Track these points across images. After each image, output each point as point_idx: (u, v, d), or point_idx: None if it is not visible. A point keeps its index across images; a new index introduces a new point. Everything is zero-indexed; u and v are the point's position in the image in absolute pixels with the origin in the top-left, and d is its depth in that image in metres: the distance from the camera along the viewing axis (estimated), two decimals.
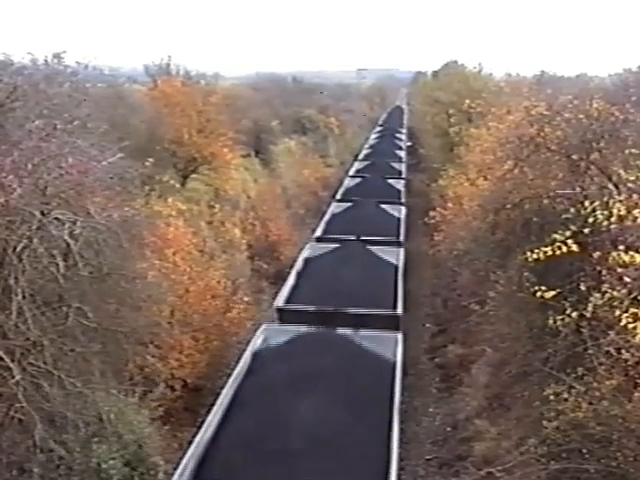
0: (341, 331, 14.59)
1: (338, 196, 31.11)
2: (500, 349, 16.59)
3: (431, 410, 18.05)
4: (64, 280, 9.84)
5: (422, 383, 19.42)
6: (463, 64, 45.64)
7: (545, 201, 14.00)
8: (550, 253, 11.65)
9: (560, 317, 11.61)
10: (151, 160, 16.21)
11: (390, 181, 34.35)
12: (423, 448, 16.23)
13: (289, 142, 46.55)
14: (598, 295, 10.84)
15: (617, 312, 10.21)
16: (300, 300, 17.05)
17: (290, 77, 69.16)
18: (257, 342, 14.55)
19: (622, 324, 9.94)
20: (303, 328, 14.67)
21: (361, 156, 45.66)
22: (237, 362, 13.78)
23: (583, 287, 11.86)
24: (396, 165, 40.68)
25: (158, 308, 13.23)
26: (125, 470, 11.23)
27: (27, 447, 9.69)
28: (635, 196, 11.61)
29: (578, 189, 13.47)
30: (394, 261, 20.49)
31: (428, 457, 15.88)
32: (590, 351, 11.17)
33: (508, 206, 14.70)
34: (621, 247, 10.90)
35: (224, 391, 12.30)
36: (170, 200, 20.76)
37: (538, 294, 11.78)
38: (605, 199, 12.06)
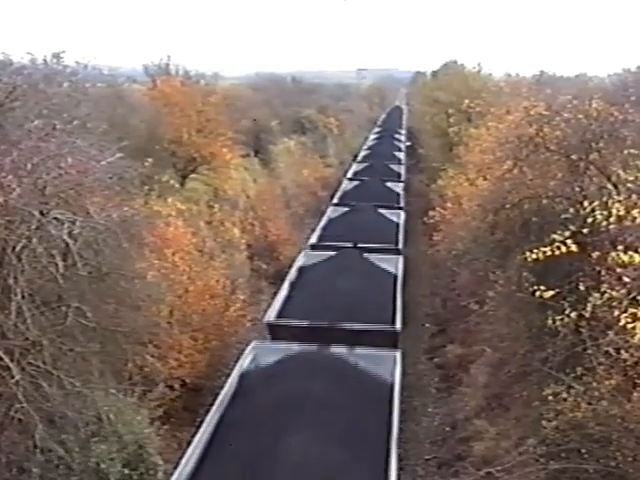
0: (335, 349, 13.74)
1: (335, 200, 30.10)
2: (499, 349, 16.60)
3: (430, 410, 18.06)
4: (63, 280, 9.84)
5: (421, 383, 19.43)
6: (462, 64, 45.77)
7: (544, 201, 14.01)
8: (549, 253, 11.66)
9: (559, 317, 11.63)
10: (150, 160, 16.23)
11: (389, 184, 33.42)
12: (422, 448, 16.24)
13: (288, 142, 46.55)
14: (597, 295, 10.86)
15: (616, 312, 10.23)
16: (292, 314, 16.09)
17: (289, 77, 69.13)
18: (245, 362, 13.61)
19: (621, 324, 9.94)
20: (295, 346, 13.84)
21: (359, 158, 44.61)
22: (225, 383, 12.94)
23: (582, 287, 11.87)
24: (395, 167, 39.78)
25: (157, 308, 13.22)
26: (124, 470, 11.22)
27: (26, 447, 9.68)
28: (634, 196, 11.63)
29: (577, 189, 13.49)
30: (393, 270, 19.55)
31: (427, 457, 15.90)
32: (589, 351, 11.18)
33: (507, 206, 14.71)
34: (620, 247, 10.91)
35: (207, 419, 11.43)
36: (169, 200, 20.77)
37: (537, 294, 11.79)
38: (604, 199, 12.08)
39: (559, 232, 11.94)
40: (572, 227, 12.17)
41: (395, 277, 18.96)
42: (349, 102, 78.46)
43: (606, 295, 10.68)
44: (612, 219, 11.24)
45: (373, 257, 20.10)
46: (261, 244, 29.53)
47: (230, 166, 29.73)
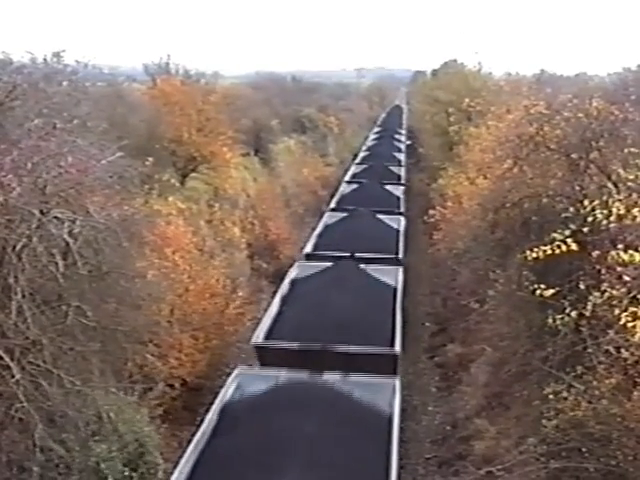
0: (328, 377, 12.57)
1: (332, 204, 28.85)
2: (499, 348, 16.60)
3: (430, 409, 18.06)
4: (63, 279, 9.84)
5: (422, 382, 19.43)
6: (462, 63, 45.52)
7: (544, 200, 14.01)
8: (549, 252, 11.64)
9: (559, 316, 11.62)
10: (151, 159, 16.21)
11: (388, 187, 32.17)
12: (423, 447, 16.24)
13: (289, 141, 46.55)
14: (597, 294, 10.84)
15: (616, 311, 10.21)
16: (283, 334, 14.89)
17: (289, 76, 69.17)
18: (229, 391, 12.40)
19: (621, 323, 9.93)
20: (283, 373, 12.68)
21: (358, 160, 43.16)
22: (206, 414, 11.85)
23: (582, 286, 11.86)
24: (395, 169, 38.44)
25: (157, 307, 13.23)
26: (124, 469, 11.22)
27: (27, 446, 9.68)
28: (634, 195, 11.63)
29: (577, 188, 13.48)
30: (392, 282, 18.30)
31: (428, 456, 15.90)
32: (589, 350, 11.18)
33: (507, 205, 14.71)
34: (620, 246, 10.89)
35: (185, 457, 10.35)
36: (170, 199, 20.77)
37: (537, 293, 11.78)
38: (604, 198, 12.07)
39: (559, 231, 11.92)
40: (572, 226, 12.15)
41: (395, 291, 17.71)
42: (349, 101, 78.53)
43: (606, 294, 10.67)
44: (612, 218, 11.23)
45: (371, 269, 18.93)
46: (261, 243, 29.54)
47: (230, 165, 29.71)
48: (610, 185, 13.14)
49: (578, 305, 11.41)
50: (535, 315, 13.44)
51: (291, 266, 19.90)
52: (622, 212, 11.15)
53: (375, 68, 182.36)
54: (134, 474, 11.45)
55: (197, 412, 15.38)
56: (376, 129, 64.99)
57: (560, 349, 12.24)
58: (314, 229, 24.76)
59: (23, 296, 9.42)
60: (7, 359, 9.24)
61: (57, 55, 15.62)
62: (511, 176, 15.11)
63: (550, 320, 11.81)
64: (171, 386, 15.28)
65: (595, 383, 10.77)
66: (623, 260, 10.47)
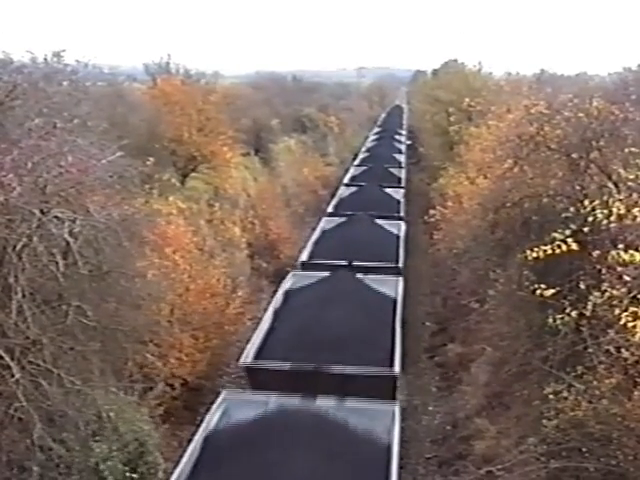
0: (322, 402, 11.69)
1: (330, 209, 27.92)
2: (500, 348, 16.59)
3: (431, 409, 18.05)
4: (64, 278, 9.85)
5: (422, 382, 19.43)
6: (463, 63, 45.70)
7: (545, 200, 14.01)
8: (550, 252, 11.66)
9: (560, 316, 11.63)
10: (151, 159, 16.22)
11: (388, 190, 31.17)
12: (423, 447, 16.24)
13: (289, 141, 46.55)
14: (598, 294, 10.85)
15: (617, 311, 10.22)
16: (274, 352, 14.05)
17: (290, 76, 69.13)
18: (213, 419, 11.51)
19: (622, 323, 9.93)
20: (273, 398, 11.80)
21: (357, 161, 42.37)
22: (187, 446, 11.11)
23: (583, 286, 11.87)
24: (395, 171, 37.37)
25: (158, 307, 13.22)
26: (125, 469, 11.22)
27: (27, 446, 9.69)
28: (635, 195, 11.63)
29: (578, 188, 13.48)
30: (391, 294, 17.40)
31: (428, 456, 15.89)
32: (590, 350, 11.18)
33: (508, 205, 14.71)
34: (621, 246, 10.90)
35: None
36: (170, 199, 20.76)
37: (538, 293, 11.80)
38: (605, 198, 12.08)
39: (560, 231, 11.94)
40: (573, 226, 12.16)
41: (394, 303, 16.78)
42: (349, 101, 78.56)
43: (607, 294, 10.67)
44: (613, 218, 11.24)
45: (370, 278, 18.11)
46: (261, 243, 29.55)
47: (230, 165, 29.70)
48: (610, 185, 13.14)
49: (578, 305, 11.42)
50: (535, 315, 13.45)
51: (284, 277, 19.10)
52: (622, 212, 11.16)
53: (375, 68, 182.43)
54: (134, 474, 11.45)
55: (197, 412, 15.38)
56: (376, 129, 64.51)
57: (560, 349, 12.24)
58: (311, 235, 23.95)
59: (23, 295, 9.42)
60: (7, 358, 9.24)
61: (57, 55, 15.61)
62: (511, 176, 15.11)
63: (550, 320, 11.82)
64: (171, 386, 15.28)
65: (595, 383, 10.77)
66: (623, 260, 10.48)
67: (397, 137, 57.17)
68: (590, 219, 11.69)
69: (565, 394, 11.17)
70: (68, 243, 9.86)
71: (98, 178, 11.09)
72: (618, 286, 10.64)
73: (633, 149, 12.86)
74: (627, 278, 10.57)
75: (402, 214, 27.25)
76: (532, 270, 13.24)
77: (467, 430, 15.83)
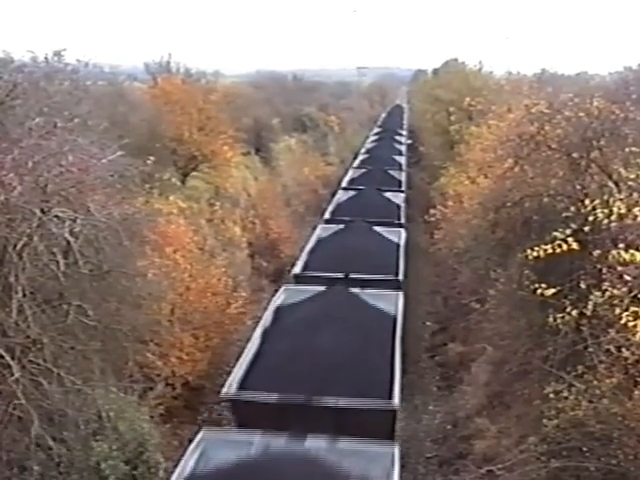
0: (312, 442, 10.51)
1: (327, 215, 26.57)
2: (500, 347, 16.60)
3: (431, 408, 18.06)
4: (64, 278, 9.85)
5: (422, 381, 19.43)
6: (463, 62, 45.64)
7: (545, 199, 14.01)
8: (550, 251, 11.66)
9: (560, 315, 11.64)
10: (152, 158, 16.22)
11: (388, 195, 29.85)
12: (423, 446, 16.24)
13: (289, 140, 46.53)
14: (598, 293, 10.86)
15: (617, 310, 10.23)
16: (261, 381, 12.70)
17: (290, 75, 69.02)
18: (190, 463, 10.18)
19: (622, 322, 9.95)
20: (257, 438, 10.58)
21: (356, 163, 40.90)
22: None
23: (583, 285, 11.88)
24: (395, 174, 35.88)
25: (158, 306, 13.22)
26: (125, 468, 11.23)
27: (27, 445, 9.69)
28: (635, 194, 11.65)
29: (578, 187, 13.48)
30: (391, 310, 16.11)
31: (428, 455, 15.90)
32: (590, 349, 11.19)
33: (508, 204, 14.71)
34: (621, 245, 10.92)
35: None
36: (171, 198, 20.77)
37: (538, 292, 11.80)
38: (605, 197, 12.10)
39: (560, 230, 11.94)
40: (573, 225, 12.17)
41: (394, 321, 15.49)
42: (350, 100, 78.54)
43: (607, 293, 10.68)
44: (613, 217, 11.25)
45: (367, 293, 16.79)
46: (262, 242, 29.57)
47: (231, 164, 29.73)
48: (611, 184, 13.15)
49: (579, 304, 11.42)
50: (536, 314, 13.45)
51: (277, 290, 17.95)
52: (623, 211, 11.17)
53: (376, 67, 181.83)
54: (135, 472, 11.46)
55: (198, 411, 15.41)
56: (376, 129, 63.49)
57: (561, 348, 12.24)
58: (306, 244, 22.64)
59: (24, 295, 9.42)
60: (7, 358, 9.24)
61: (58, 54, 15.61)
62: (512, 175, 15.11)
63: (551, 319, 11.83)
64: (172, 385, 15.28)
65: (596, 382, 10.77)
66: (624, 259, 10.50)
67: (397, 138, 55.86)
68: (591, 218, 11.71)
69: (565, 393, 11.16)
70: (69, 242, 9.86)
71: (99, 177, 11.10)
72: (619, 285, 10.64)
73: (634, 148, 12.86)
74: (628, 277, 10.58)
75: (402, 220, 26.09)
76: (533, 269, 13.24)
77: (467, 429, 15.84)
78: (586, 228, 12.01)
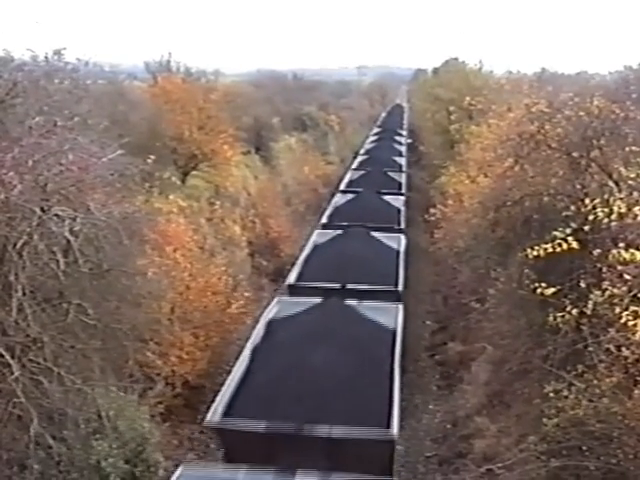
0: (302, 479, 9.94)
1: (324, 219, 25.68)
2: (500, 346, 16.60)
3: (431, 407, 18.08)
4: (64, 277, 9.84)
5: (422, 380, 19.44)
6: (464, 61, 45.64)
7: (545, 198, 14.02)
8: (550, 250, 11.66)
9: (560, 314, 11.63)
10: (153, 157, 16.22)
11: (387, 198, 28.79)
12: (423, 445, 16.25)
13: (289, 139, 46.55)
14: (598, 292, 10.86)
15: (617, 309, 10.23)
16: (249, 407, 11.66)
17: (290, 74, 69.02)
18: None
19: (622, 321, 9.95)
20: (241, 475, 9.95)
21: (355, 165, 39.59)
22: None
23: (583, 284, 11.88)
24: (395, 176, 34.85)
25: (158, 305, 13.22)
26: (125, 467, 11.23)
27: (26, 443, 9.69)
28: (635, 194, 11.65)
29: (578, 186, 13.49)
30: (390, 324, 15.06)
31: (428, 454, 15.91)
32: (590, 348, 11.18)
33: (508, 203, 14.71)
34: (621, 244, 10.92)
35: None
36: (171, 197, 20.77)
37: (538, 291, 11.80)
38: (605, 196, 12.10)
39: (560, 229, 11.94)
40: (573, 224, 12.16)
41: (393, 336, 14.52)
42: (350, 99, 78.62)
43: (607, 292, 10.68)
44: (613, 216, 11.25)
45: (365, 306, 15.82)
46: (262, 241, 29.59)
47: (231, 163, 29.74)
48: (611, 183, 13.16)
49: (579, 303, 11.42)
50: (536, 313, 13.45)
51: (269, 303, 16.99)
52: (623, 211, 11.17)
53: (376, 66, 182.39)
54: (135, 469, 11.47)
55: (198, 410, 15.40)
56: (375, 130, 62.44)
57: (561, 347, 12.25)
58: (301, 251, 21.73)
59: (24, 294, 9.42)
60: (7, 357, 9.24)
61: (58, 53, 15.58)
62: (512, 174, 15.12)
63: (551, 318, 11.82)
64: (172, 384, 15.29)
65: (596, 382, 10.76)
66: (624, 259, 10.50)
67: (397, 138, 54.77)
68: (591, 218, 11.71)
69: (565, 393, 11.15)
70: (69, 241, 9.86)
71: (99, 176, 11.09)
72: (619, 285, 10.64)
73: (634, 148, 12.87)
74: (628, 277, 10.58)
75: (402, 225, 25.02)
76: (533, 269, 13.25)
77: (467, 429, 15.83)
78: (586, 227, 12.01)
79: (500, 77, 36.34)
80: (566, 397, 11.06)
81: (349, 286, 17.15)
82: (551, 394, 11.38)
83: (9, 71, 12.99)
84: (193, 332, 16.63)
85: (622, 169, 12.76)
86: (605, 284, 10.86)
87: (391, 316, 15.39)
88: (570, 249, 11.56)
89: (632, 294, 10.36)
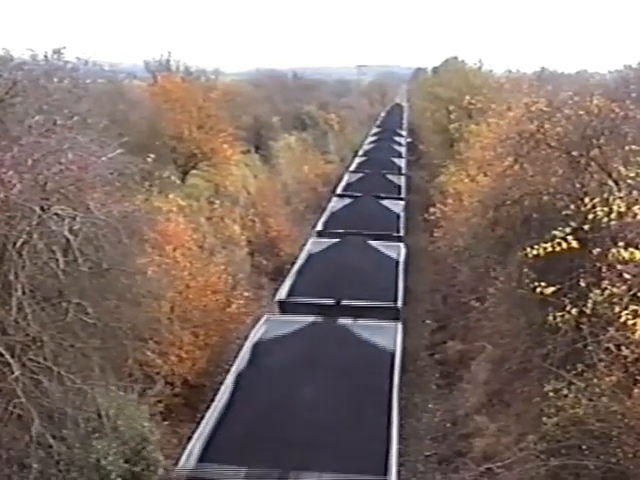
0: None
1: (319, 226, 24.83)
2: (500, 345, 16.60)
3: (431, 406, 18.06)
4: (64, 276, 9.83)
5: (422, 379, 19.43)
6: (463, 60, 45.66)
7: (545, 197, 14.02)
8: (550, 249, 11.66)
9: (560, 313, 11.64)
10: (152, 156, 16.22)
11: (386, 203, 27.93)
12: (422, 444, 16.24)
13: (289, 138, 46.55)
14: (598, 291, 10.87)
15: (617, 309, 10.24)
16: (226, 453, 10.54)
17: (290, 73, 69.05)
18: None
19: (622, 321, 9.95)
20: None
21: (353, 166, 38.98)
22: None
23: (583, 283, 11.88)
24: (394, 179, 34.03)
25: (158, 304, 13.20)
26: (125, 466, 11.23)
27: (26, 443, 9.68)
28: (635, 193, 11.66)
29: (578, 185, 13.50)
30: (388, 346, 14.02)
31: (427, 453, 15.89)
32: (590, 348, 11.18)
33: (508, 202, 14.72)
34: (621, 243, 10.92)
35: None
36: (170, 196, 20.77)
37: (538, 290, 11.80)
38: (605, 195, 12.11)
39: (560, 228, 11.94)
40: (573, 223, 12.18)
41: (392, 359, 13.46)
42: (350, 98, 78.63)
43: (607, 291, 10.69)
44: (613, 215, 11.27)
45: (360, 325, 14.73)
46: (262, 240, 29.58)
47: (231, 162, 29.74)
48: (611, 183, 13.16)
49: (578, 303, 11.43)
50: (535, 312, 13.45)
51: (257, 321, 15.99)
52: (623, 210, 11.18)
53: (376, 65, 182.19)
54: (135, 468, 11.46)
55: (198, 409, 15.39)
56: (374, 130, 61.82)
57: (560, 346, 12.25)
58: (294, 263, 20.66)
59: (23, 293, 9.41)
60: (7, 356, 9.23)
61: (58, 52, 15.62)
62: (512, 173, 15.12)
63: (550, 317, 11.84)
64: (171, 383, 15.28)
65: (595, 381, 10.77)
66: (624, 258, 10.50)
67: (397, 139, 54.13)
68: (590, 217, 11.72)
69: (565, 392, 11.16)
70: (68, 240, 9.85)
71: (98, 175, 11.08)
72: (618, 284, 10.65)
73: (633, 147, 12.88)
74: (627, 276, 10.59)
75: (402, 233, 24.09)
76: (532, 268, 13.25)
77: (467, 428, 15.83)
78: (586, 226, 12.02)
79: (500, 76, 36.43)
80: (566, 396, 11.07)
81: (344, 302, 16.25)
82: (551, 393, 11.40)
83: (9, 70, 13.00)
84: (193, 331, 16.63)
85: (622, 168, 12.77)
86: (605, 283, 10.87)
87: (389, 336, 14.44)
88: (570, 248, 11.57)
89: (632, 293, 10.37)
